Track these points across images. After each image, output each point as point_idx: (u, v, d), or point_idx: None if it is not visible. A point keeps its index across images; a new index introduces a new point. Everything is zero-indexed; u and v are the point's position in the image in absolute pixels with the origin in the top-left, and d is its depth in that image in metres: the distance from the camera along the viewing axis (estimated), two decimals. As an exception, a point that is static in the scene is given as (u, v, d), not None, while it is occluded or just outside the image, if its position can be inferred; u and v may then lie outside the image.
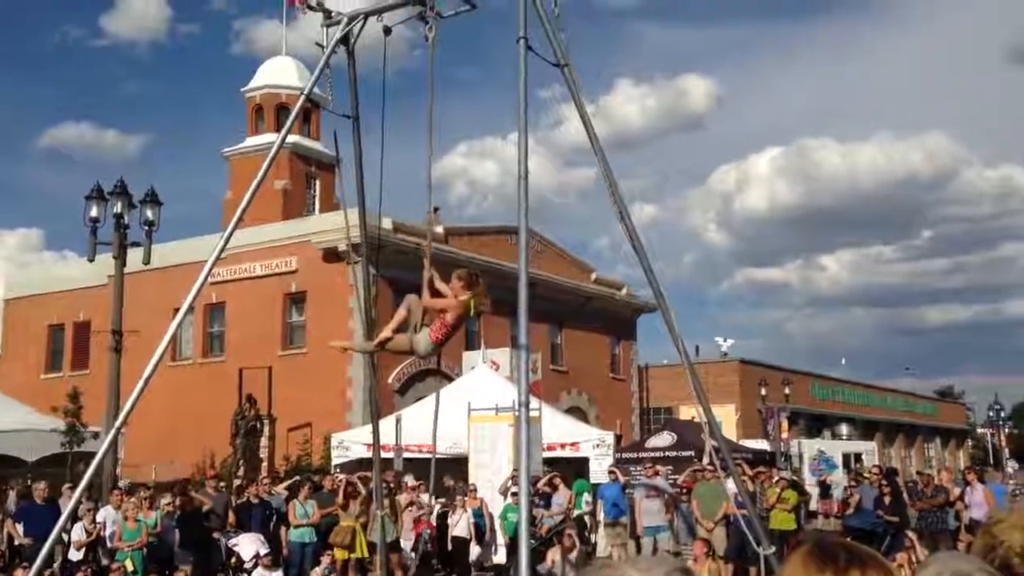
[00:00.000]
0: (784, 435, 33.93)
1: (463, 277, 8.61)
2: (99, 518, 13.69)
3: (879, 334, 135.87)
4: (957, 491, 16.44)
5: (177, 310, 9.91)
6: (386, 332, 8.98)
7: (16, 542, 13.57)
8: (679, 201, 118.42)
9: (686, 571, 0.93)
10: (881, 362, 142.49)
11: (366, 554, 14.28)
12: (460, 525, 15.74)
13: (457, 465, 17.71)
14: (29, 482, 15.88)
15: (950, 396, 76.88)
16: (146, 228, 16.92)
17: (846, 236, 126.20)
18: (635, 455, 23.17)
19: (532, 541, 12.66)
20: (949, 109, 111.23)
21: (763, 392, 38.36)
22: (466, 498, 15.94)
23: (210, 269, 9.75)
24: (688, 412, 30.29)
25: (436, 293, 8.67)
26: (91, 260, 17.18)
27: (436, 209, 33.22)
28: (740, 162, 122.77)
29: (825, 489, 22.40)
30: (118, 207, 16.51)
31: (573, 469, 18.48)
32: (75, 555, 13.11)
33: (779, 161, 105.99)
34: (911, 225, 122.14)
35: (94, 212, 16.36)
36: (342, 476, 16.74)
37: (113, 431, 10.02)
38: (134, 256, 17.30)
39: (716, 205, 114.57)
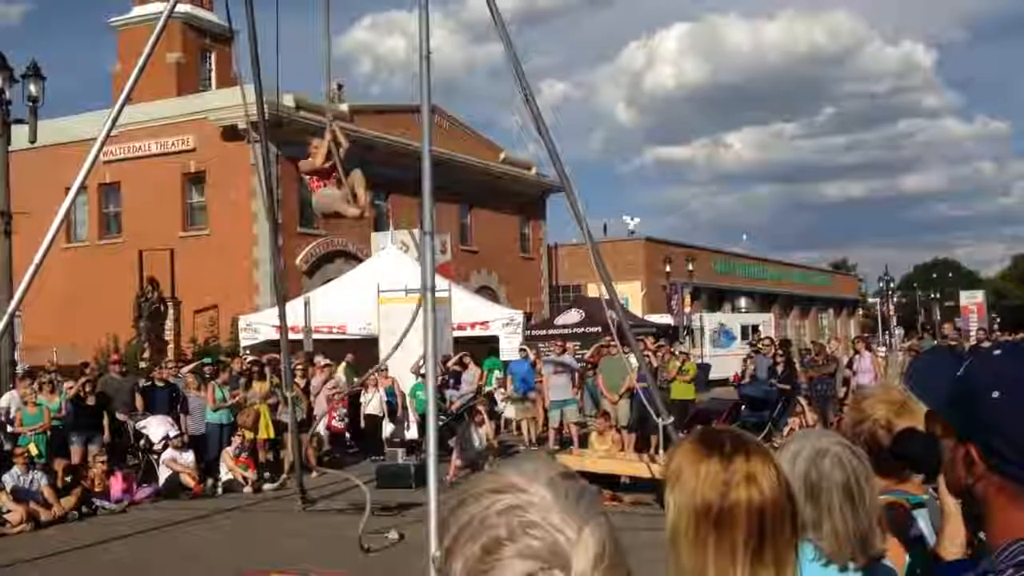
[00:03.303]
0: (687, 309, 35.07)
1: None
2: (2, 403, 13.42)
3: (779, 210, 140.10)
4: (846, 359, 17.40)
5: (68, 189, 9.52)
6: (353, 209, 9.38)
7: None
8: (590, 77, 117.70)
9: (568, 475, 0.96)
10: (780, 236, 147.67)
11: (271, 435, 14.41)
12: (373, 403, 15.97)
13: (369, 345, 17.81)
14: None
15: (843, 268, 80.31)
16: (30, 104, 16.01)
17: (751, 113, 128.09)
18: (544, 332, 23.68)
19: (443, 417, 12.96)
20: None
21: (667, 269, 39.34)
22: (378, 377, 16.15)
23: (101, 146, 9.36)
24: (596, 289, 30.88)
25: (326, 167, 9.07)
26: (-29, 138, 16.22)
27: (339, 86, 32.20)
28: (649, 38, 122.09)
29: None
30: (-2, 81, 15.52)
31: (485, 347, 18.79)
32: (-24, 441, 12.86)
33: (687, 39, 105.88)
34: (814, 102, 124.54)
35: (-29, 87, 15.35)
36: (251, 358, 16.68)
37: (7, 315, 9.73)
38: (19, 133, 16.42)
39: (626, 82, 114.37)
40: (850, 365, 16.79)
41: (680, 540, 1.48)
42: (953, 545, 1.88)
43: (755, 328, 33.09)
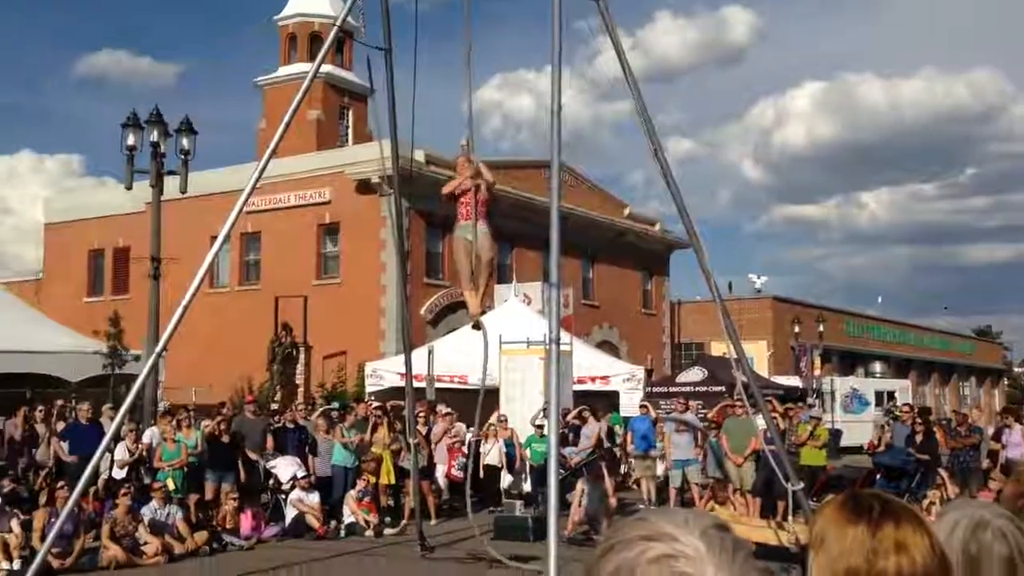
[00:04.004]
0: (817, 372, 33.83)
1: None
2: (145, 439, 14.05)
3: (916, 272, 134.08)
4: (991, 430, 16.35)
5: (214, 238, 10.03)
6: (473, 299, 9.48)
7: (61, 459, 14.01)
8: (717, 135, 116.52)
9: (722, 527, 0.93)
10: (918, 301, 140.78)
11: (393, 480, 14.60)
12: (492, 454, 16.00)
13: (489, 396, 17.88)
14: (73, 402, 16.31)
15: (988, 335, 76.00)
16: (182, 157, 17.01)
17: (886, 173, 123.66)
18: (665, 389, 23.24)
19: (561, 471, 12.83)
20: (996, 45, 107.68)
21: (796, 329, 38.16)
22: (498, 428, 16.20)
23: (246, 198, 9.83)
24: (719, 348, 30.22)
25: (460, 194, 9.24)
26: (129, 188, 17.34)
27: (468, 142, 33.05)
28: (779, 97, 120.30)
29: None
30: (154, 135, 16.59)
31: (605, 402, 18.61)
32: (118, 474, 13.53)
33: (819, 96, 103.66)
34: (953, 162, 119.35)
35: (131, 140, 16.46)
36: (376, 403, 17.01)
37: (154, 355, 10.23)
38: (171, 184, 17.44)
39: (754, 140, 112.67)
40: (997, 437, 15.76)
41: (824, 609, 1.41)
42: None
43: (891, 394, 31.57)
